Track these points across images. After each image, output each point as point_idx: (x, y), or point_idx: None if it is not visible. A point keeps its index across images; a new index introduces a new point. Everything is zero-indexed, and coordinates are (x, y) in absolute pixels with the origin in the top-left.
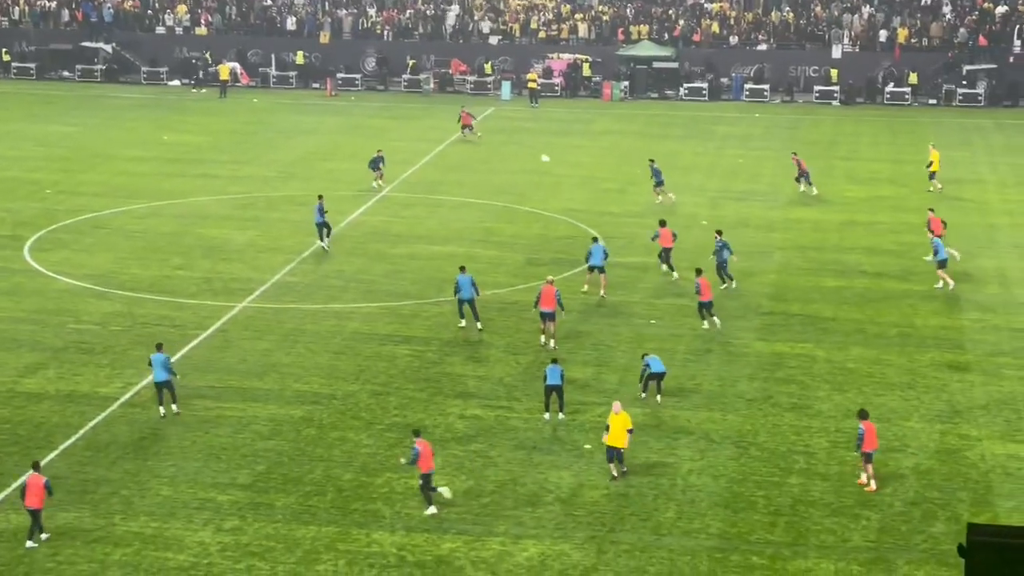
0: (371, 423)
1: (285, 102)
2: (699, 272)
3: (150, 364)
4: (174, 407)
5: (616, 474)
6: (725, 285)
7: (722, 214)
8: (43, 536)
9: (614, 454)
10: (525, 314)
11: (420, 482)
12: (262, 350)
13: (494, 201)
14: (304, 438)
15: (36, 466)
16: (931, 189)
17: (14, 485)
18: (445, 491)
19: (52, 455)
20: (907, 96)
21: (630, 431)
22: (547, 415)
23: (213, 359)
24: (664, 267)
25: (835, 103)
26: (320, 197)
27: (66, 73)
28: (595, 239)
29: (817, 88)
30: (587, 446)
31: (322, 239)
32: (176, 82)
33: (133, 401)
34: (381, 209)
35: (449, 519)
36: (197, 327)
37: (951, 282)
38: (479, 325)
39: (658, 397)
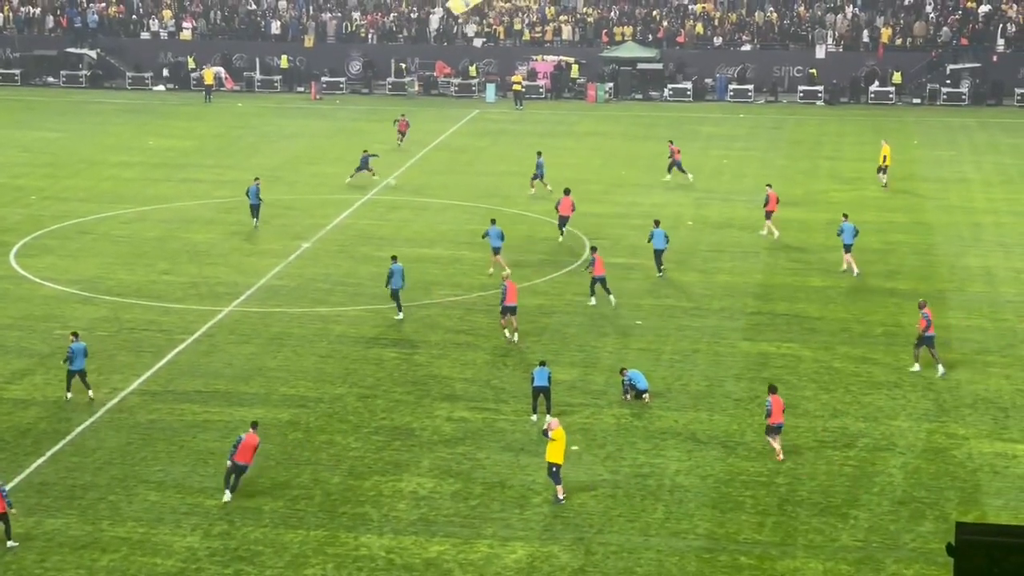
0: (358, 426)
1: (270, 106)
2: (594, 249)
3: (69, 354)
4: (90, 393)
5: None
6: (661, 274)
7: (707, 214)
8: (9, 544)
9: (556, 469)
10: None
11: (231, 469)
12: (248, 354)
13: (480, 203)
14: (291, 442)
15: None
16: (883, 185)
17: None
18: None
19: (40, 461)
20: (891, 96)
21: (569, 445)
22: (534, 417)
23: (199, 364)
24: (560, 235)
25: (819, 103)
26: (256, 179)
27: (51, 79)
28: (493, 221)
29: (801, 88)
30: (575, 448)
31: (254, 218)
32: (161, 87)
33: (120, 407)
34: (367, 212)
35: (437, 521)
36: (183, 332)
37: (856, 268)
38: (400, 316)
39: (645, 396)
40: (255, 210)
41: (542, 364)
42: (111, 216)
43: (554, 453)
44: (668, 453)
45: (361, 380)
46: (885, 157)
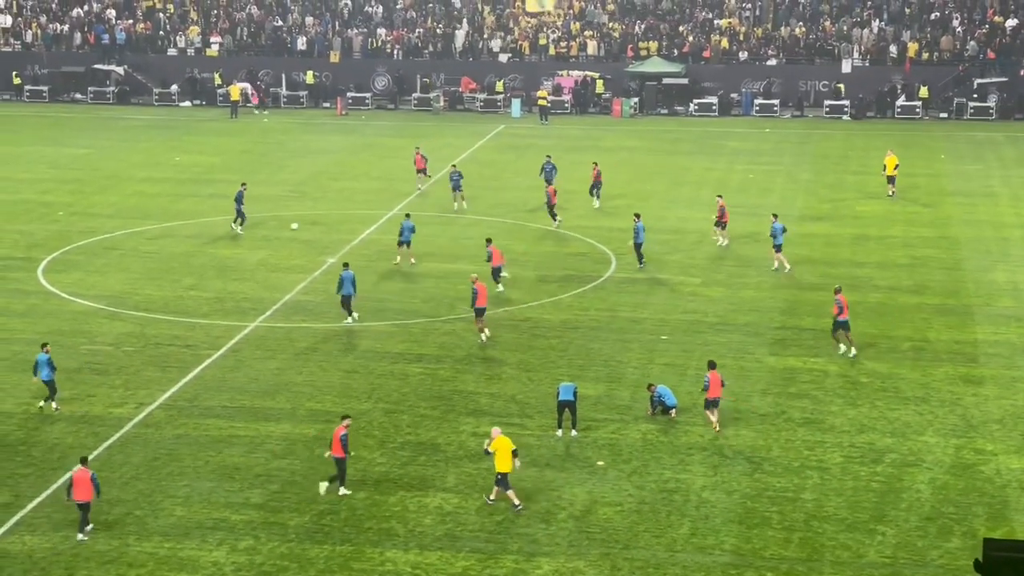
0: (384, 441)
1: (296, 122)
2: (489, 241)
3: (36, 366)
4: (53, 404)
5: (494, 498)
6: (641, 267)
7: (733, 229)
8: (88, 528)
9: (503, 479)
10: (537, 331)
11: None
12: (274, 369)
13: (505, 218)
14: (317, 457)
15: (84, 460)
16: (890, 194)
17: (61, 480)
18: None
19: (66, 476)
20: (918, 110)
21: (515, 453)
22: (559, 432)
23: (225, 379)
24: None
25: (845, 117)
26: (243, 184)
27: (79, 95)
28: (407, 215)
29: (827, 103)
30: (600, 463)
31: (234, 224)
32: (187, 103)
33: (146, 422)
34: (392, 227)
35: (463, 537)
36: (209, 347)
37: (787, 265)
38: (352, 318)
39: (672, 412)
40: (239, 215)
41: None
42: (138, 232)
43: (500, 463)
44: (694, 468)
45: (386, 395)
46: (895, 167)
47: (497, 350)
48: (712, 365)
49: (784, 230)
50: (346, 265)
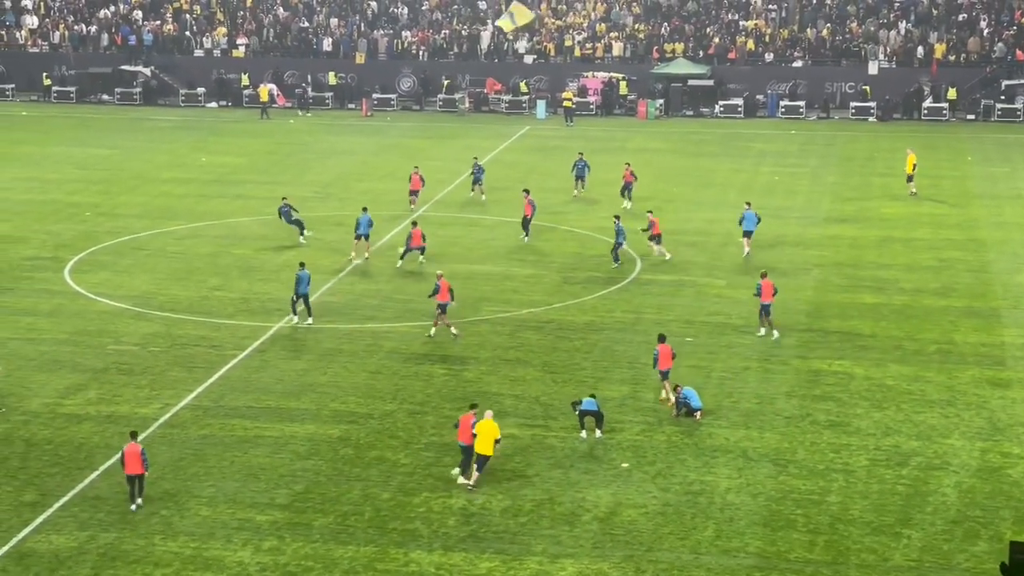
0: (408, 442)
1: (321, 123)
2: (414, 224)
3: None
4: None
5: (471, 482)
6: (615, 265)
7: (759, 231)
8: (139, 500)
9: (482, 461)
10: (562, 333)
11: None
12: (299, 370)
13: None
14: (341, 458)
15: (134, 435)
16: (911, 192)
17: (88, 479)
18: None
19: (93, 476)
20: (945, 112)
21: (497, 441)
22: (583, 433)
23: (251, 379)
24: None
25: (871, 119)
26: (284, 199)
27: (105, 96)
28: (364, 208)
29: (853, 104)
30: (624, 464)
31: (301, 233)
32: (213, 104)
33: (172, 422)
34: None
35: (487, 538)
36: (235, 347)
37: (747, 249)
38: (310, 320)
39: (697, 415)
40: (296, 225)
41: (592, 397)
42: (164, 232)
43: (482, 445)
44: (719, 471)
45: (411, 396)
46: (913, 165)
47: (522, 352)
48: (661, 338)
49: (758, 220)
50: (302, 265)
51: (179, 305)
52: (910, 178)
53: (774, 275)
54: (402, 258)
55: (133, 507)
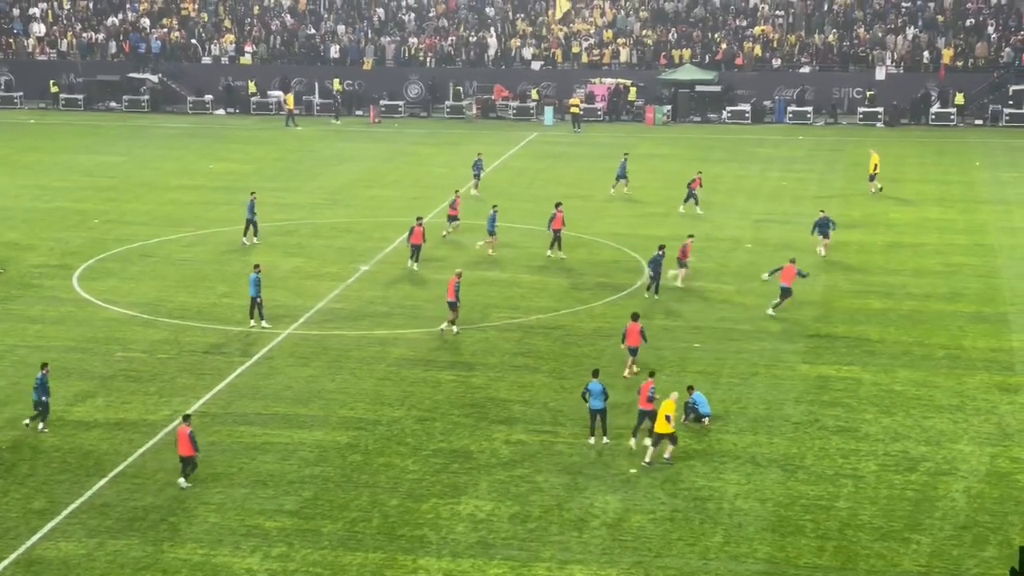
0: (417, 449)
1: (329, 130)
2: (419, 219)
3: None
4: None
5: (655, 459)
6: (652, 296)
7: (766, 237)
8: (182, 479)
9: (660, 438)
10: (570, 339)
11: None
12: (307, 376)
13: (537, 226)
14: (350, 464)
15: (186, 418)
16: (873, 191)
17: (96, 486)
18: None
19: (101, 482)
20: (952, 117)
21: (668, 418)
22: (592, 439)
23: (259, 386)
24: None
25: (879, 125)
26: (252, 194)
27: (113, 104)
28: (494, 207)
29: (861, 110)
30: (633, 470)
31: (245, 235)
32: (221, 111)
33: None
34: (426, 235)
35: (495, 544)
36: (243, 354)
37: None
38: (264, 324)
39: (705, 421)
40: (252, 226)
41: (595, 376)
42: (172, 239)
43: (660, 424)
44: (727, 476)
45: (419, 403)
46: (875, 166)
47: (530, 358)
48: (635, 317)
49: (829, 223)
50: (256, 267)
51: (187, 312)
52: (872, 177)
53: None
54: (411, 257)
55: (182, 483)
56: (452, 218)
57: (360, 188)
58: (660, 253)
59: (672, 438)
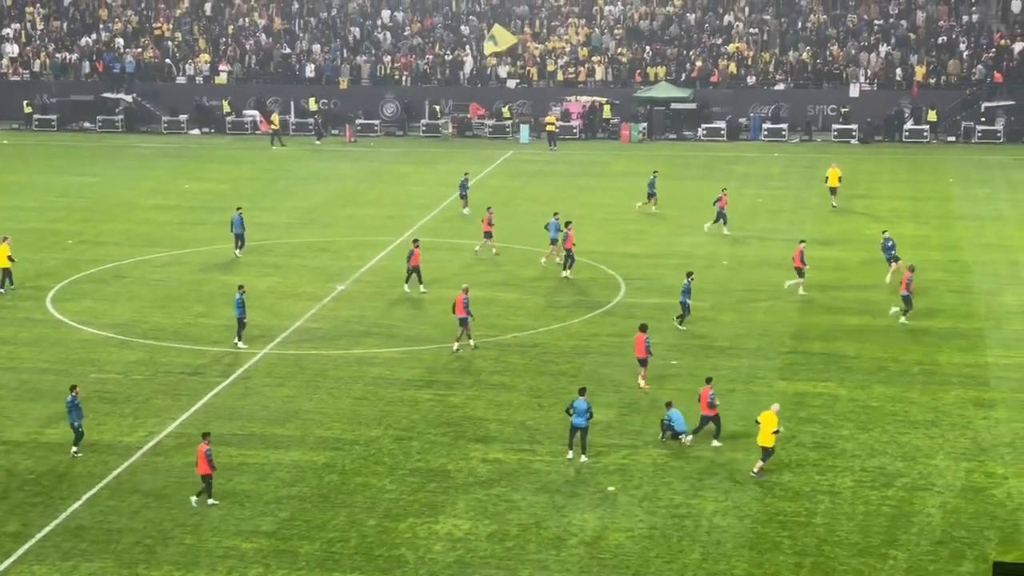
0: (394, 468)
1: (304, 149)
2: (415, 242)
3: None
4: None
5: (756, 471)
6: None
7: (742, 253)
8: (194, 497)
9: (765, 453)
10: (547, 357)
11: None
12: (284, 396)
13: (514, 244)
14: (327, 484)
15: (205, 436)
16: (834, 204)
17: (70, 509)
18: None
19: (76, 505)
20: (926, 134)
21: (776, 432)
22: (570, 454)
23: (235, 406)
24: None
25: (853, 142)
26: (239, 209)
27: (87, 124)
28: (555, 214)
29: (835, 127)
30: (611, 488)
31: (237, 248)
32: (196, 131)
33: (156, 450)
34: (402, 254)
35: (473, 564)
36: (219, 374)
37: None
38: (240, 344)
39: (687, 438)
40: (239, 240)
41: (581, 393)
42: (147, 259)
43: (763, 437)
44: (705, 494)
45: (396, 422)
46: (838, 178)
47: (507, 376)
48: (643, 328)
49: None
50: (240, 287)
51: (162, 332)
52: (833, 191)
53: (759, 296)
54: (407, 281)
55: (193, 500)
56: (487, 234)
57: (336, 207)
58: (689, 281)
59: (768, 452)
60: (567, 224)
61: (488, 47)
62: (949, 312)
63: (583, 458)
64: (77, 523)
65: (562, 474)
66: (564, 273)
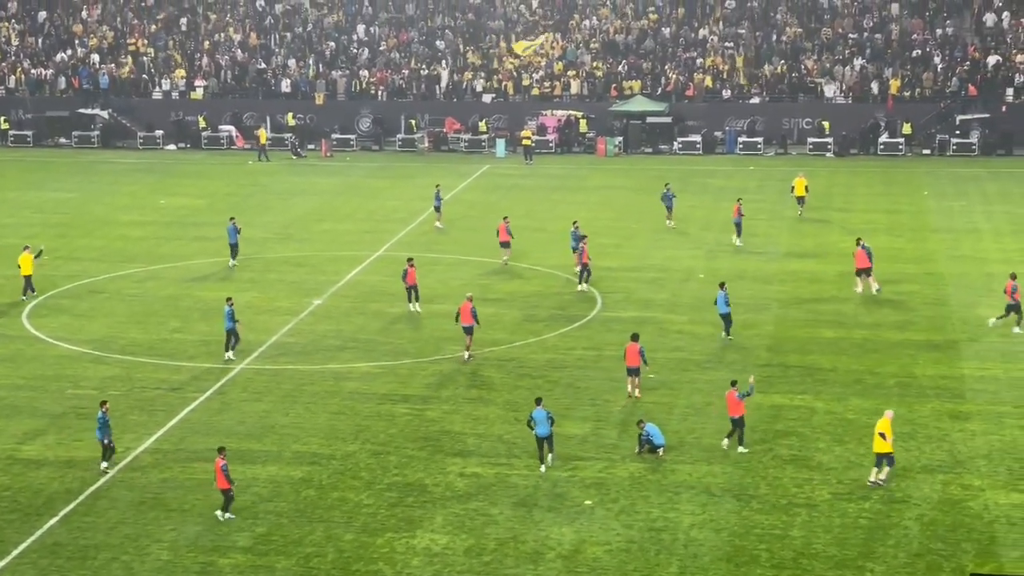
0: (371, 483)
1: (281, 164)
2: (409, 261)
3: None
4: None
5: (877, 479)
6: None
7: (718, 266)
8: (218, 513)
9: (881, 459)
10: (523, 371)
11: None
12: (261, 411)
13: (491, 258)
14: (304, 499)
15: (221, 451)
16: (800, 213)
17: (46, 526)
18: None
19: (52, 521)
20: (901, 146)
21: (882, 435)
22: (543, 467)
23: (212, 421)
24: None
25: (829, 155)
26: (232, 219)
27: (63, 140)
28: (575, 223)
29: (811, 140)
30: (588, 502)
31: (233, 257)
32: (172, 146)
33: (133, 465)
34: (378, 268)
35: None
36: (196, 390)
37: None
38: (229, 355)
39: (660, 451)
40: (233, 249)
41: (538, 403)
42: (123, 275)
43: (877, 444)
44: (682, 507)
45: (373, 436)
46: (805, 188)
47: (484, 390)
48: (634, 337)
49: (583, 237)
50: (228, 300)
51: (138, 348)
52: (800, 200)
53: (734, 310)
54: (409, 300)
55: (218, 515)
56: (505, 244)
57: (313, 222)
58: (723, 292)
59: (889, 458)
60: (583, 238)
61: (519, 45)
62: (924, 324)
63: (550, 457)
64: (54, 539)
65: (539, 488)
66: (580, 287)
